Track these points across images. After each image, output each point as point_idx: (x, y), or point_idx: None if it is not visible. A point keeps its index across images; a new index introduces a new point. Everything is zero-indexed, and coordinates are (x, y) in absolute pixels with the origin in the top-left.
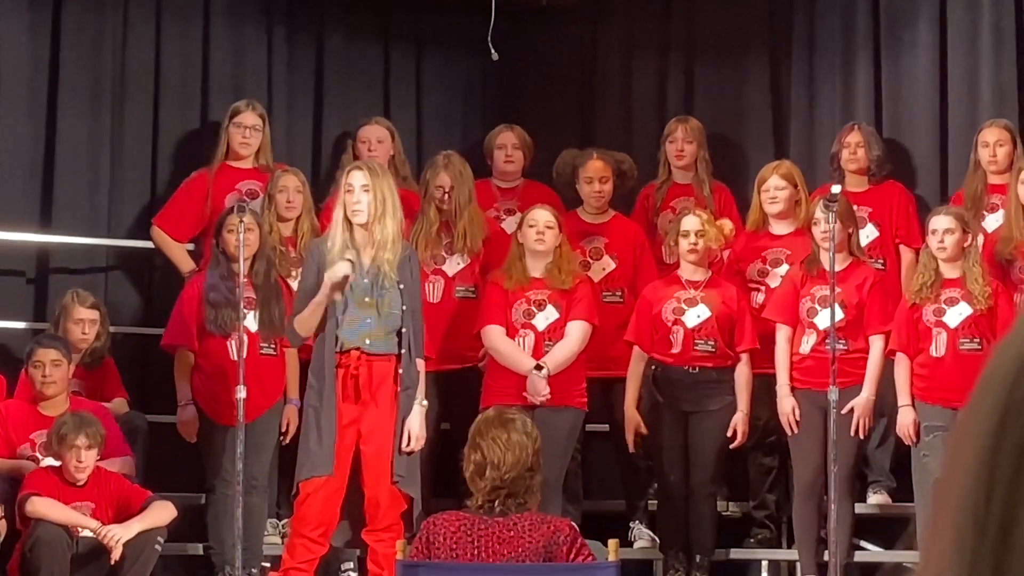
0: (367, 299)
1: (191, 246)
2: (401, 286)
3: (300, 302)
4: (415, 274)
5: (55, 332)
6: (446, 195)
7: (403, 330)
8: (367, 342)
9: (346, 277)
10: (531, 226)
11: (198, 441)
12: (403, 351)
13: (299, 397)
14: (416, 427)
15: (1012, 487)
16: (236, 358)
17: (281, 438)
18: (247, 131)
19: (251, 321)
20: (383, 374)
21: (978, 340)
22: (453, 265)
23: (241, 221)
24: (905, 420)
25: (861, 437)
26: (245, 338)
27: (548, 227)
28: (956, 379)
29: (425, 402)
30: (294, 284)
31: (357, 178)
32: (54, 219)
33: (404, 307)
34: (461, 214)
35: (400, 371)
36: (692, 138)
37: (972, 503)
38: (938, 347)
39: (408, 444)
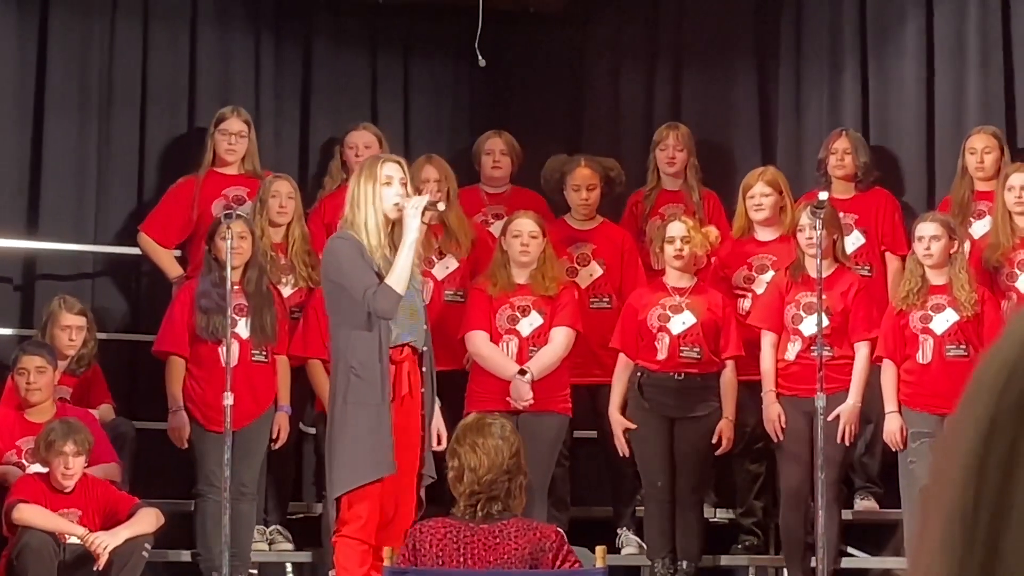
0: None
1: (178, 252)
2: (419, 285)
3: (363, 276)
4: None
5: (42, 339)
6: (435, 187)
7: (426, 328)
8: (413, 338)
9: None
10: (515, 236)
11: (188, 447)
12: (426, 348)
13: (290, 404)
14: (443, 427)
15: (1000, 496)
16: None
17: (272, 444)
18: (232, 137)
19: (242, 328)
20: (415, 371)
21: (964, 347)
22: (442, 269)
23: (228, 228)
24: (892, 426)
25: (847, 444)
26: (236, 345)
27: (532, 237)
28: (943, 385)
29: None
30: (285, 291)
31: (396, 171)
32: (41, 225)
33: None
34: (451, 207)
35: (424, 369)
36: (683, 145)
37: (960, 512)
38: (925, 354)
39: (440, 444)
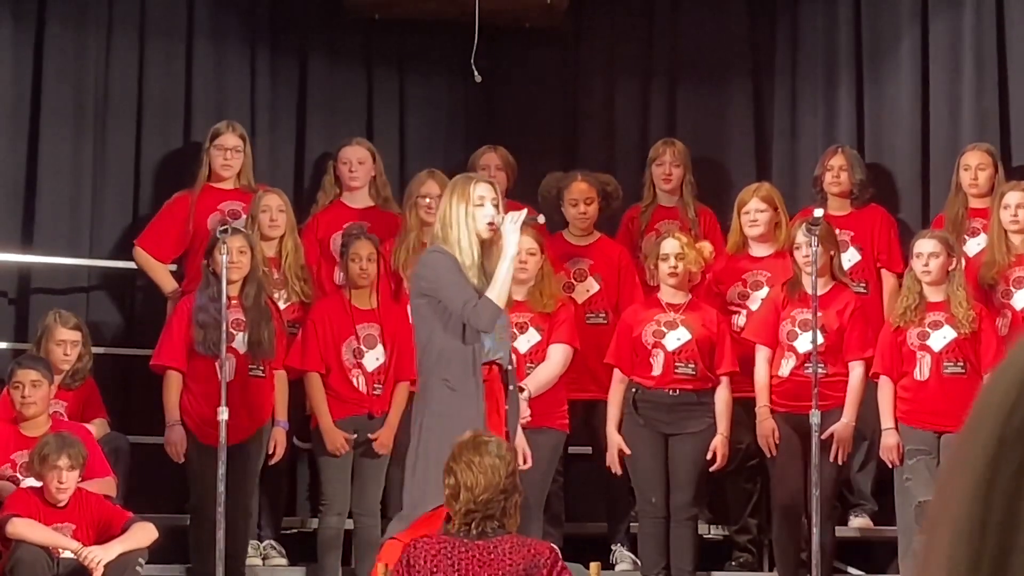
0: None
1: (174, 267)
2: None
3: (463, 289)
4: None
5: (36, 353)
6: (434, 202)
7: (511, 346)
8: (502, 355)
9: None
10: None
11: (184, 461)
12: (511, 367)
13: (287, 419)
14: (527, 447)
15: (1007, 517)
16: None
17: (268, 459)
18: (228, 153)
19: (240, 343)
20: (500, 388)
21: (962, 364)
22: None
23: (224, 243)
24: (889, 443)
25: (840, 463)
26: (233, 359)
27: (530, 254)
28: (940, 403)
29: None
30: (279, 305)
31: (488, 191)
32: (36, 239)
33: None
34: None
35: (511, 388)
36: (679, 161)
37: (967, 533)
38: (922, 370)
39: (525, 463)
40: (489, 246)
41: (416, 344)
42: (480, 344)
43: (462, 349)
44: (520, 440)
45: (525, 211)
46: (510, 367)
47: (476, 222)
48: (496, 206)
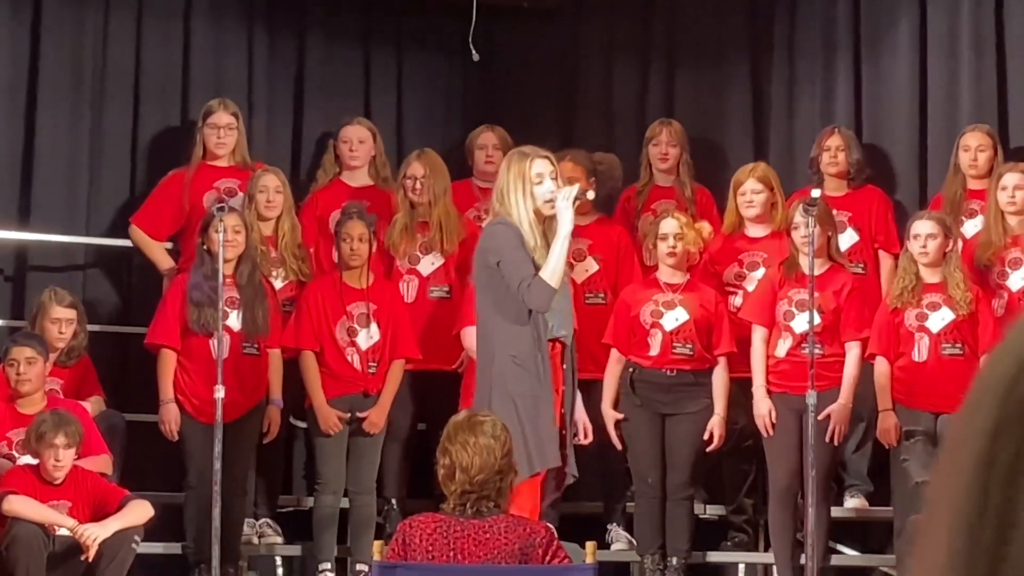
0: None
1: (170, 245)
2: (568, 279)
3: (522, 266)
4: None
5: (32, 330)
6: (419, 183)
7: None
8: (565, 332)
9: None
10: None
11: (178, 439)
12: (569, 344)
13: (281, 397)
14: (587, 420)
15: (1006, 502)
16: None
17: (264, 436)
18: (221, 131)
19: (234, 321)
20: (559, 365)
21: (960, 345)
22: (427, 265)
23: (221, 221)
24: (886, 424)
25: (836, 444)
26: (227, 337)
27: None
28: (938, 384)
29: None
30: (275, 284)
31: (546, 167)
32: (32, 216)
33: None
34: (437, 202)
35: (565, 366)
36: (676, 141)
37: (966, 518)
38: (920, 352)
39: (586, 437)
40: (552, 220)
41: (477, 317)
42: (544, 320)
43: (527, 326)
44: (580, 412)
45: (576, 187)
46: (569, 343)
47: (535, 200)
48: (555, 178)
